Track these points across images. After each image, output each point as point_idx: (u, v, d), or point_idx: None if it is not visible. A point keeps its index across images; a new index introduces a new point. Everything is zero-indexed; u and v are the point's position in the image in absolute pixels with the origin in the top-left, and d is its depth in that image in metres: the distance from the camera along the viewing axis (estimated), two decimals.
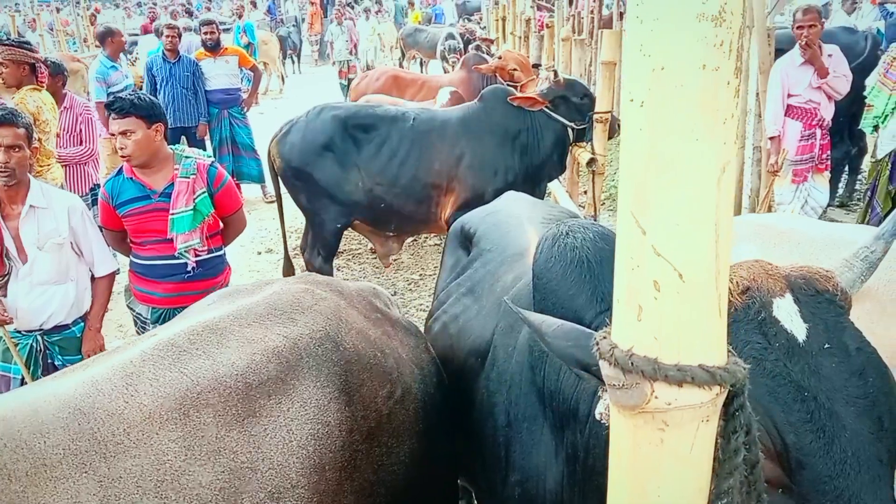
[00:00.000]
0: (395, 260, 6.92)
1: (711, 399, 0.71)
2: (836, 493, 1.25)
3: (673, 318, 0.70)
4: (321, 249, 5.65)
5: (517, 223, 2.95)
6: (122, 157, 3.65)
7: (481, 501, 2.55)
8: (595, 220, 5.49)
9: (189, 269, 3.79)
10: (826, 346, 1.38)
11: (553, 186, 6.43)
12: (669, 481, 0.74)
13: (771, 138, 5.56)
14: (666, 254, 0.68)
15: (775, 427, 1.28)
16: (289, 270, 5.93)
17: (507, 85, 7.03)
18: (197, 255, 3.80)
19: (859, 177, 7.49)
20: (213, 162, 3.91)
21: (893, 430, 1.36)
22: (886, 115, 5.55)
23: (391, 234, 5.86)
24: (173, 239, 3.71)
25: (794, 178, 5.48)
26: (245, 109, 9.15)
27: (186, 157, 3.78)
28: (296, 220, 7.13)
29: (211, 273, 3.93)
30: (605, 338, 0.75)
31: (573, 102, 5.41)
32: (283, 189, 5.75)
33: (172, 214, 3.69)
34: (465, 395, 2.45)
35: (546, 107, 5.37)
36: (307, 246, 5.74)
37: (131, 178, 3.69)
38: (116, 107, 3.54)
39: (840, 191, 7.34)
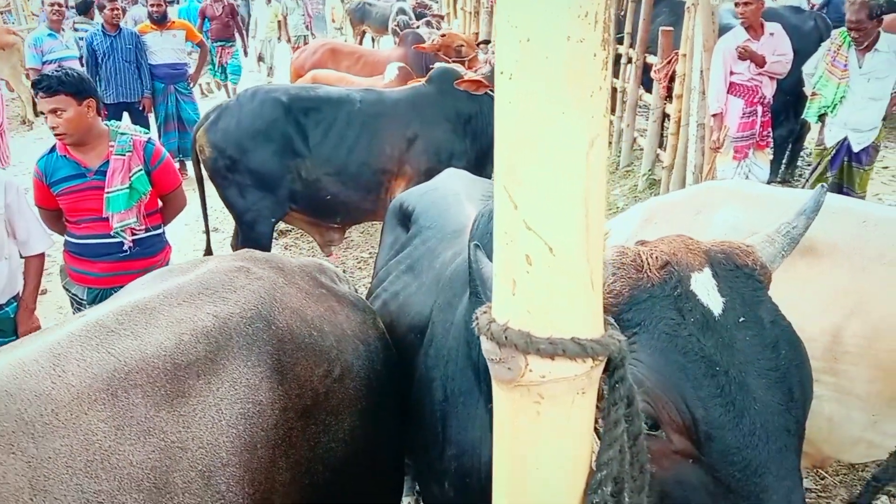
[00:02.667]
0: (345, 238, 6.85)
1: (586, 372, 0.72)
2: (743, 464, 1.29)
3: (545, 292, 0.70)
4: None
5: (455, 200, 2.95)
6: (56, 135, 3.56)
7: (419, 476, 2.57)
8: None
9: (125, 248, 3.73)
10: (741, 319, 1.41)
11: None
12: (548, 453, 0.75)
13: (713, 115, 5.65)
14: (536, 228, 0.68)
15: (685, 402, 1.31)
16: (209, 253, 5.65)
17: (454, 62, 6.96)
18: (134, 234, 3.75)
19: (802, 154, 7.67)
20: (149, 139, 3.84)
21: (803, 400, 1.40)
22: (835, 104, 5.59)
23: (336, 225, 5.57)
24: (109, 218, 3.64)
25: (735, 155, 5.58)
26: (191, 85, 8.94)
27: (122, 134, 3.71)
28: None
29: (149, 252, 3.87)
30: (484, 312, 0.74)
31: None
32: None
33: (108, 193, 3.61)
34: (404, 372, 2.46)
35: (490, 90, 5.34)
36: (238, 246, 5.39)
37: (65, 156, 3.61)
38: (43, 85, 3.44)
39: (782, 168, 7.51)
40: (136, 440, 1.66)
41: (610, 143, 8.69)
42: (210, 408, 1.79)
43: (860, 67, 5.47)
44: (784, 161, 7.54)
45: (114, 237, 3.69)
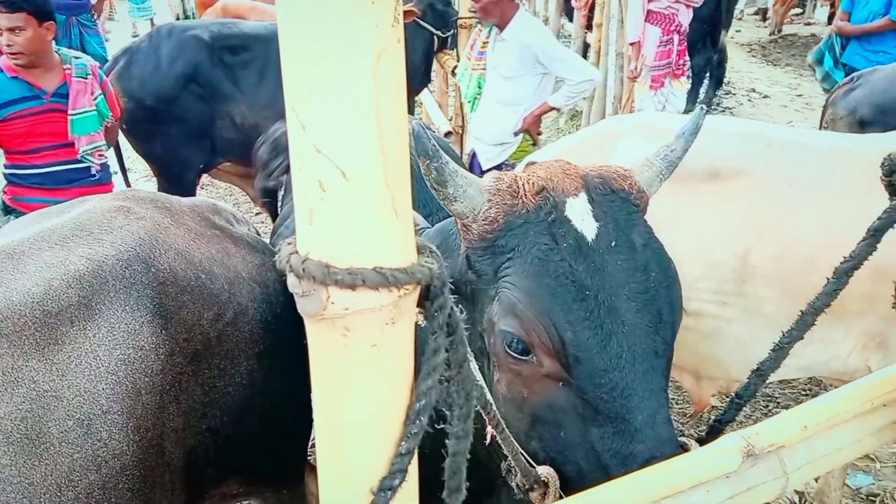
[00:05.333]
0: None
1: (393, 302, 0.69)
2: (610, 386, 1.32)
3: (341, 220, 0.66)
4: None
5: None
6: (10, 55, 3.44)
7: None
8: (463, 130, 5.44)
9: (93, 172, 3.72)
10: (614, 243, 1.42)
11: (423, 97, 6.33)
12: (360, 387, 0.72)
13: (631, 44, 5.64)
14: (326, 151, 0.63)
15: (554, 325, 1.32)
16: None
17: None
18: (100, 158, 3.75)
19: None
20: (100, 65, 3.89)
21: (672, 322, 1.43)
22: (473, 101, 4.46)
23: None
24: (75, 141, 3.59)
25: (652, 84, 5.61)
26: (96, 16, 8.41)
27: (76, 58, 3.66)
28: None
29: (107, 178, 3.90)
30: (289, 244, 0.71)
31: (438, 10, 5.28)
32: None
33: (73, 115, 3.55)
34: None
35: (418, 17, 5.19)
36: None
37: (16, 77, 3.44)
38: (6, 1, 3.34)
39: (700, 97, 7.61)
40: (3, 391, 1.58)
41: None
42: (86, 355, 1.73)
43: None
44: (702, 89, 7.64)
45: (80, 162, 3.65)
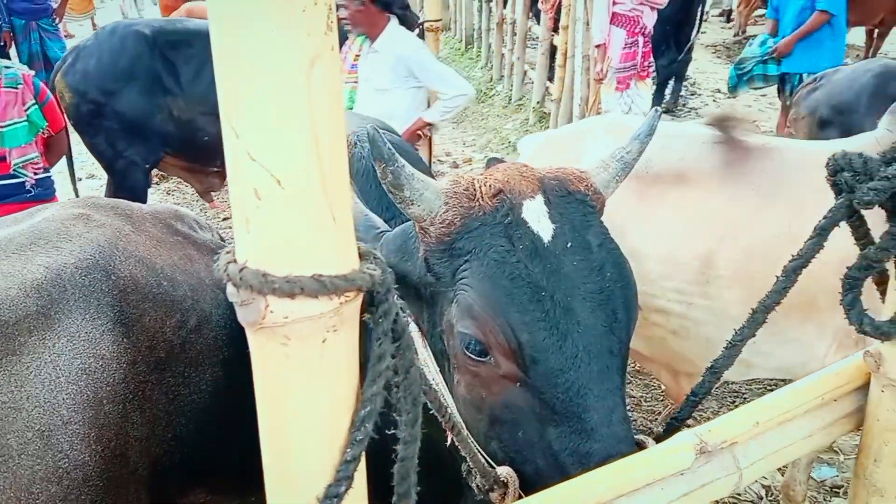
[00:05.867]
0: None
1: (333, 309, 0.69)
2: (566, 386, 1.33)
3: (278, 228, 0.66)
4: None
5: None
6: None
7: None
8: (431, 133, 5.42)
9: (28, 187, 3.60)
10: (569, 244, 1.43)
11: None
12: (303, 395, 0.72)
13: (597, 46, 5.69)
14: (260, 159, 0.63)
15: (510, 326, 1.33)
16: None
17: None
18: (35, 173, 3.63)
19: (685, 83, 7.88)
20: (35, 74, 3.74)
21: (626, 320, 1.45)
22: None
23: (216, 168, 5.29)
24: (6, 155, 3.50)
25: (618, 86, 5.66)
26: (57, 21, 8.28)
27: (7, 68, 3.56)
28: None
29: (48, 193, 3.77)
30: (227, 252, 0.70)
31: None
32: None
33: (2, 128, 3.46)
34: None
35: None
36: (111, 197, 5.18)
37: None
38: None
39: (666, 97, 7.71)
40: None
41: (502, 76, 8.68)
42: (46, 365, 1.71)
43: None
44: (667, 92, 7.74)
45: (14, 177, 3.56)
